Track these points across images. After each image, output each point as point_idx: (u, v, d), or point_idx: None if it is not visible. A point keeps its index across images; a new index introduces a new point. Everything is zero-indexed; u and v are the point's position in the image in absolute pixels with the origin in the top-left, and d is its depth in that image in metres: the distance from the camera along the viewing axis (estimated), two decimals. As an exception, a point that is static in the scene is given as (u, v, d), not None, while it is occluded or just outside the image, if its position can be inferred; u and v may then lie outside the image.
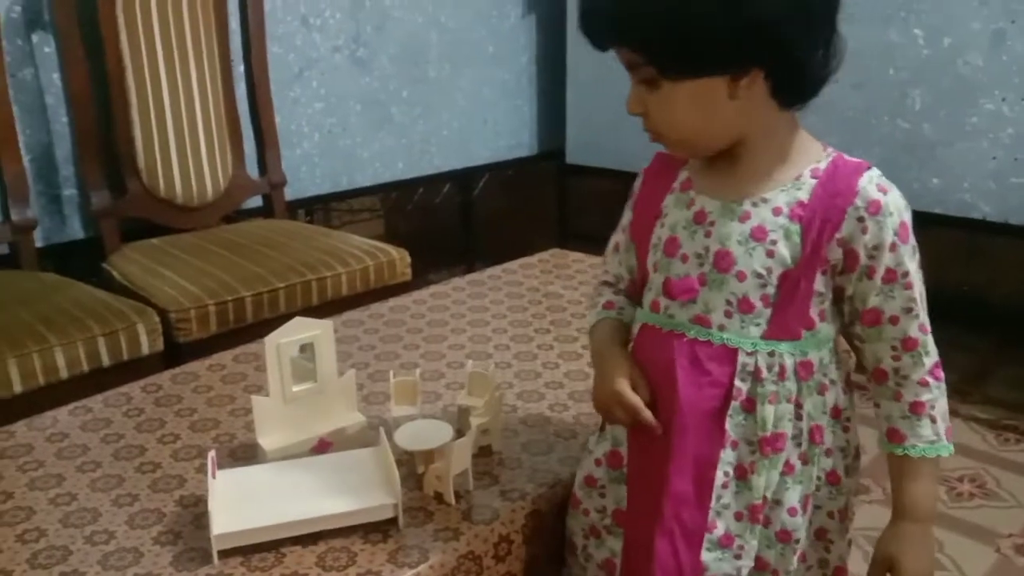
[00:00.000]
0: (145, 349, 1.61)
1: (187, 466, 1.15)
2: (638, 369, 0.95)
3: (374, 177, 2.72)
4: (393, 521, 1.00)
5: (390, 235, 2.17)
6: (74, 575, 0.94)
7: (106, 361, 1.56)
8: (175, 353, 1.67)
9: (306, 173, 2.51)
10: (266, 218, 2.28)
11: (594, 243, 2.22)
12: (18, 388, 1.46)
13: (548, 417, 1.26)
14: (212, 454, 1.04)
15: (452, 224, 3.10)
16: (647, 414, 0.92)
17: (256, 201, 2.33)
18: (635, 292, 1.02)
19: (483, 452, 1.15)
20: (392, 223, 2.80)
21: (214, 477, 1.01)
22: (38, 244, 1.94)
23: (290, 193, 2.36)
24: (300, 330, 1.13)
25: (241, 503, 1.00)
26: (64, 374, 1.51)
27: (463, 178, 3.04)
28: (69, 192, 2.06)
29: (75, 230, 2.08)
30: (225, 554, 0.95)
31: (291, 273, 1.84)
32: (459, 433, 1.11)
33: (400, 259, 2.02)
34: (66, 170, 2.05)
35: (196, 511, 1.04)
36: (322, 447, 1.15)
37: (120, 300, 1.68)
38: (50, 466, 1.15)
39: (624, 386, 0.93)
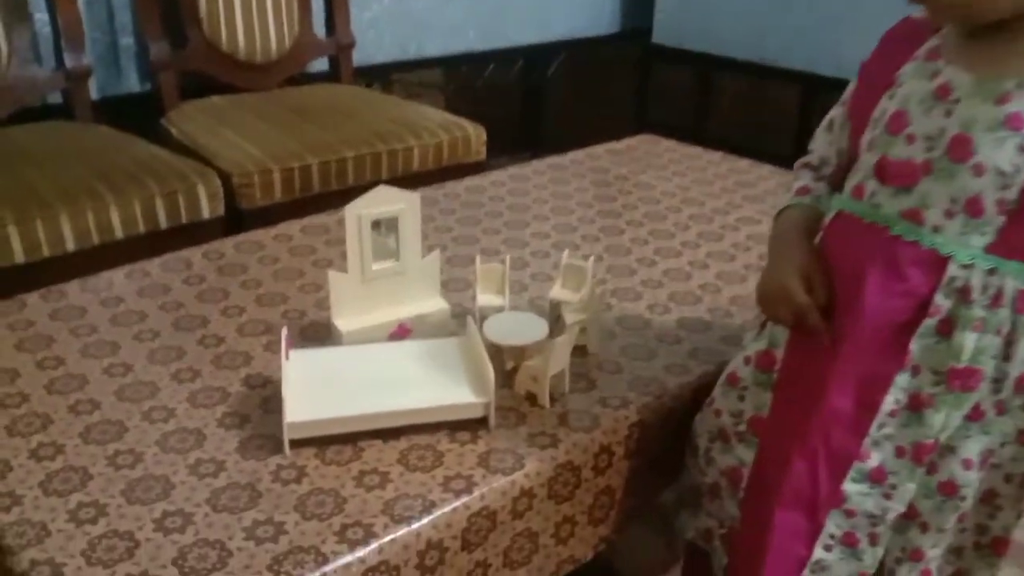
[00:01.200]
0: (205, 213, 1.51)
1: (254, 343, 1.05)
2: (819, 265, 0.80)
3: (444, 47, 2.54)
4: (483, 421, 0.89)
5: (454, 113, 2.00)
6: (130, 455, 0.85)
7: (164, 223, 1.46)
8: (237, 220, 1.56)
9: (373, 38, 2.34)
10: (331, 83, 2.13)
11: (674, 136, 2.04)
12: (71, 246, 1.36)
13: (647, 319, 1.14)
14: (285, 332, 0.93)
15: (522, 105, 2.91)
16: (815, 318, 0.78)
17: (321, 64, 2.17)
18: (839, 179, 0.86)
19: (577, 352, 1.03)
20: (458, 100, 2.62)
21: (287, 358, 0.91)
22: (93, 96, 1.82)
23: (355, 59, 2.19)
24: (384, 201, 1.00)
25: (316, 389, 0.89)
26: (119, 234, 1.41)
27: (537, 54, 2.83)
28: (126, 41, 1.92)
29: (132, 83, 1.96)
30: (297, 444, 0.86)
31: (361, 143, 1.70)
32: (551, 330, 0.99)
33: (476, 136, 1.86)
34: (123, 16, 1.90)
35: (264, 393, 0.94)
36: (401, 333, 1.04)
37: (180, 159, 1.57)
38: (104, 332, 1.06)
39: (794, 281, 0.79)
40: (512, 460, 0.85)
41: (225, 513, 0.78)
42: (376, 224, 1.03)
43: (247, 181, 1.56)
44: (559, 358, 0.93)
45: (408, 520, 0.78)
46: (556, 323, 1.04)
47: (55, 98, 1.81)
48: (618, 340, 1.08)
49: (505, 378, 0.97)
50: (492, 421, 0.89)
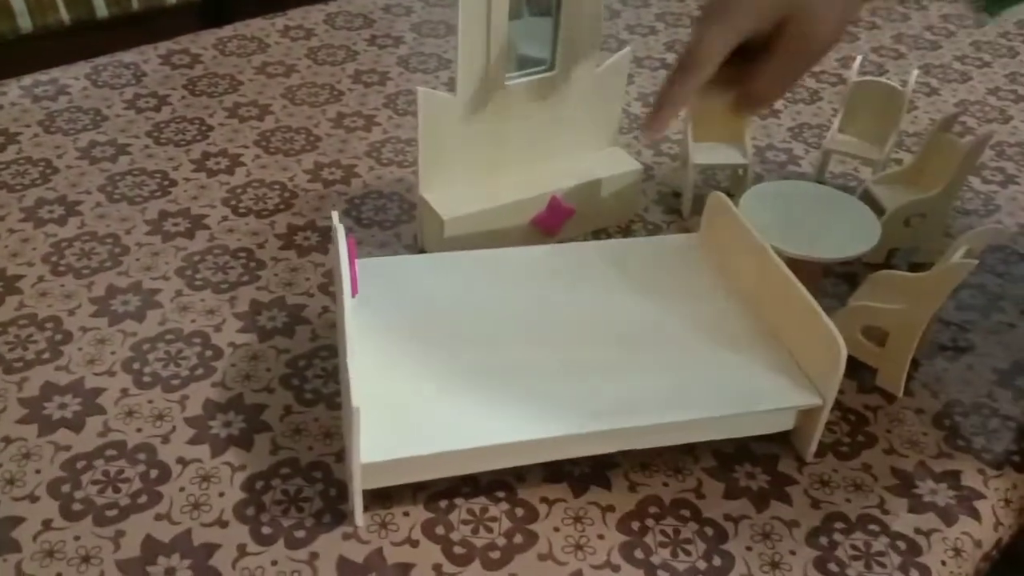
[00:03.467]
0: (168, -7, 0.94)
1: (261, 230, 0.53)
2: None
3: None
4: (786, 440, 0.40)
5: None
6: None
7: (102, 8, 0.90)
8: (218, 5, 1.00)
9: None
10: None
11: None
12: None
13: (992, 195, 0.62)
14: (338, 221, 0.41)
15: None
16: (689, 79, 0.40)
17: None
18: None
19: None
20: None
21: (352, 294, 0.39)
22: None
23: None
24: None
25: (412, 367, 0.39)
26: (25, 23, 0.85)
27: None
28: None
29: None
30: (377, 499, 0.36)
31: None
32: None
33: None
34: None
35: (280, 362, 0.44)
36: (554, 217, 0.52)
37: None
38: (-27, 202, 0.54)
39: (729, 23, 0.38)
40: (895, 557, 0.36)
41: None
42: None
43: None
44: (938, 297, 0.42)
45: None
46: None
47: None
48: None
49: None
50: (814, 445, 0.39)
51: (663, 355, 0.40)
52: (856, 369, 0.45)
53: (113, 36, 0.85)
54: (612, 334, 0.41)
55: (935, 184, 0.52)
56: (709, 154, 0.56)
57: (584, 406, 0.37)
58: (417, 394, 0.37)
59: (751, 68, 0.40)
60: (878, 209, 0.53)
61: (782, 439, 0.40)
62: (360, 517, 0.36)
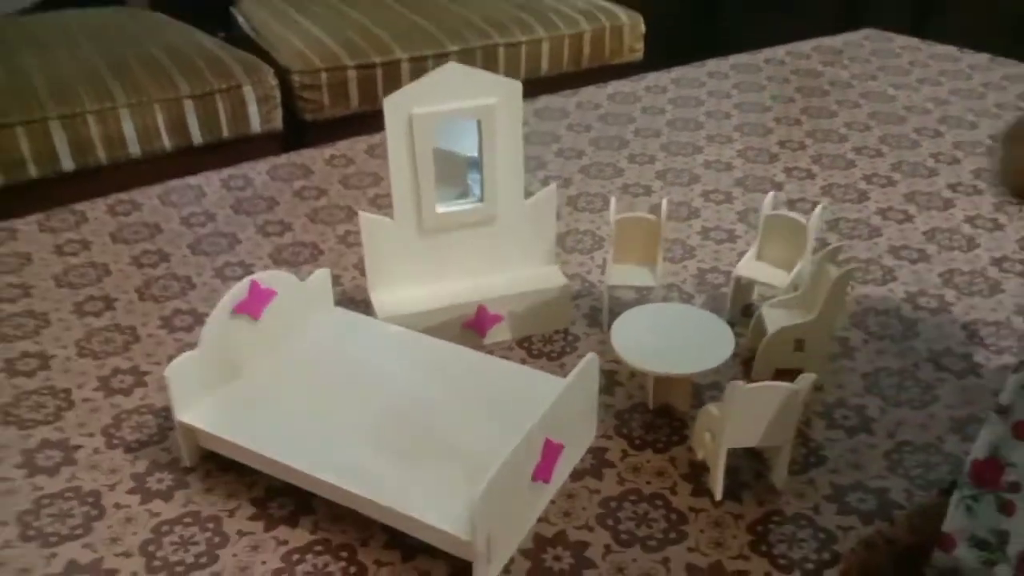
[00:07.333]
0: (255, 124, 1.12)
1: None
2: None
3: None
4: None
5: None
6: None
7: (197, 136, 1.08)
8: (299, 135, 1.17)
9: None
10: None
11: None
12: (68, 164, 1.01)
13: (910, 319, 0.65)
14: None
15: None
16: None
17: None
18: None
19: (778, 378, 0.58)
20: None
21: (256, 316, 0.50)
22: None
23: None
24: (457, 90, 0.56)
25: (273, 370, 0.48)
26: (135, 150, 1.05)
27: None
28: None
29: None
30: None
31: (469, 32, 1.26)
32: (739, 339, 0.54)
33: (631, 27, 1.38)
34: None
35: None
36: (481, 322, 0.61)
37: (228, 51, 1.18)
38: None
39: None
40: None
41: None
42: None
43: (311, 82, 1.15)
44: (767, 414, 0.47)
45: None
46: (752, 327, 0.59)
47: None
48: (861, 360, 0.61)
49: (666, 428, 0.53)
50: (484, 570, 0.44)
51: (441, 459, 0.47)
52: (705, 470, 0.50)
53: (211, 160, 1.02)
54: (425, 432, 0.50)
55: (816, 310, 0.57)
56: (622, 275, 0.63)
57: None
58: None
59: None
60: (764, 332, 0.58)
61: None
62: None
